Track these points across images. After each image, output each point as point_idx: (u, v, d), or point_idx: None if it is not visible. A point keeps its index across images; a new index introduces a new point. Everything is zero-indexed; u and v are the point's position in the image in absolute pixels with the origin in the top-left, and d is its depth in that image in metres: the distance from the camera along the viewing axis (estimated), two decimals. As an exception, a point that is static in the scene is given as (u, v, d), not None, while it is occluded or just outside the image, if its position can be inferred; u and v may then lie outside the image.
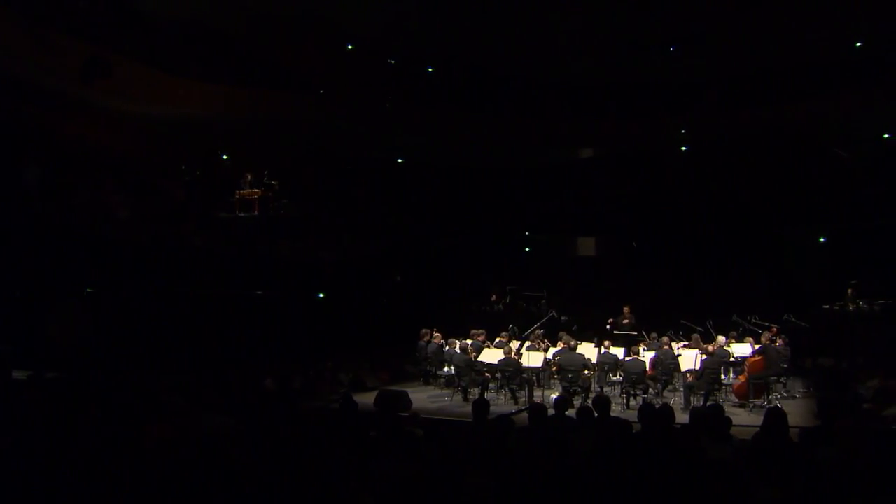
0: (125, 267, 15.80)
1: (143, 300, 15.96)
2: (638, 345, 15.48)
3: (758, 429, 7.37)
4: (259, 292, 18.39)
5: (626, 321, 18.40)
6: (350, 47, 20.18)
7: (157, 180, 19.83)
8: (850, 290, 19.77)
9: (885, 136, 21.43)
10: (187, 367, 13.64)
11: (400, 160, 24.72)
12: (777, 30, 18.43)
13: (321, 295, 19.82)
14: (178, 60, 18.66)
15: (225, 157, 22.08)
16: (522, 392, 14.71)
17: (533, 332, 16.64)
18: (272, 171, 19.79)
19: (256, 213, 19.17)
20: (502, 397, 14.93)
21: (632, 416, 9.18)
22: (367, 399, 13.63)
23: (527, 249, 26.66)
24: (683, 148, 23.50)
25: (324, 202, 22.29)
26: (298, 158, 22.63)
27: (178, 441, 6.63)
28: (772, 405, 13.30)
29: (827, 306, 20.15)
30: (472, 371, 14.78)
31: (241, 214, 19.21)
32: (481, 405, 8.25)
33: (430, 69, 22.14)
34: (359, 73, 21.15)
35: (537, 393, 15.02)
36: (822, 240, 23.41)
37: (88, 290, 15.36)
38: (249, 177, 19.49)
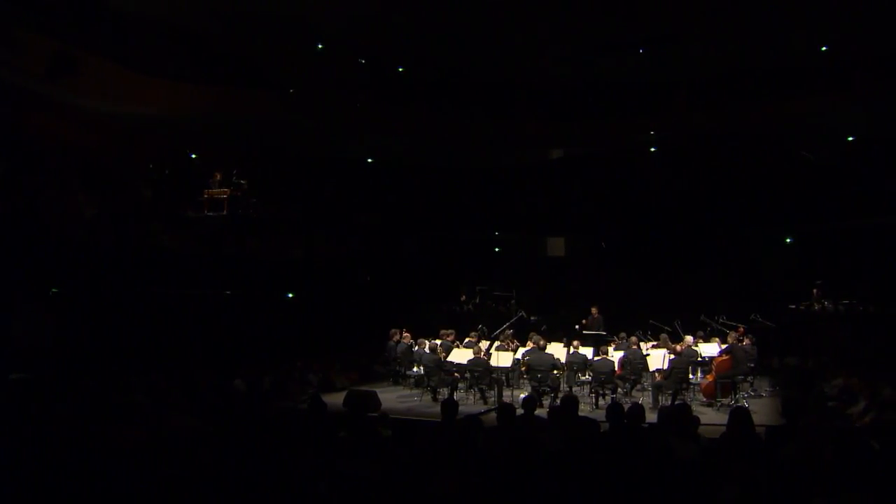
0: (91, 267, 15.62)
1: (109, 300, 15.80)
2: (607, 345, 15.58)
3: (725, 427, 7.44)
4: (228, 292, 18.29)
5: (594, 319, 18.58)
6: (320, 46, 20.09)
7: (125, 179, 19.62)
8: (815, 291, 20.06)
9: (850, 138, 21.71)
10: (155, 368, 13.53)
11: (370, 160, 24.69)
12: (745, 33, 18.60)
13: (290, 295, 19.75)
14: (146, 58, 18.46)
15: (193, 155, 21.92)
16: (492, 392, 14.73)
17: (502, 331, 16.69)
18: (241, 171, 19.65)
19: (225, 212, 19.01)
20: (471, 397, 14.94)
21: (600, 415, 9.22)
22: (336, 399, 13.63)
23: (496, 249, 26.75)
24: (652, 149, 23.66)
25: (293, 202, 22.20)
26: (268, 158, 22.53)
27: (146, 443, 6.59)
28: (738, 404, 13.43)
29: (793, 306, 20.44)
30: (442, 371, 14.79)
31: (210, 214, 19.04)
32: (450, 405, 8.26)
33: (400, 69, 22.11)
34: (329, 72, 21.10)
35: (506, 393, 15.07)
36: (788, 241, 23.69)
37: (54, 290, 15.17)
38: (218, 176, 19.33)
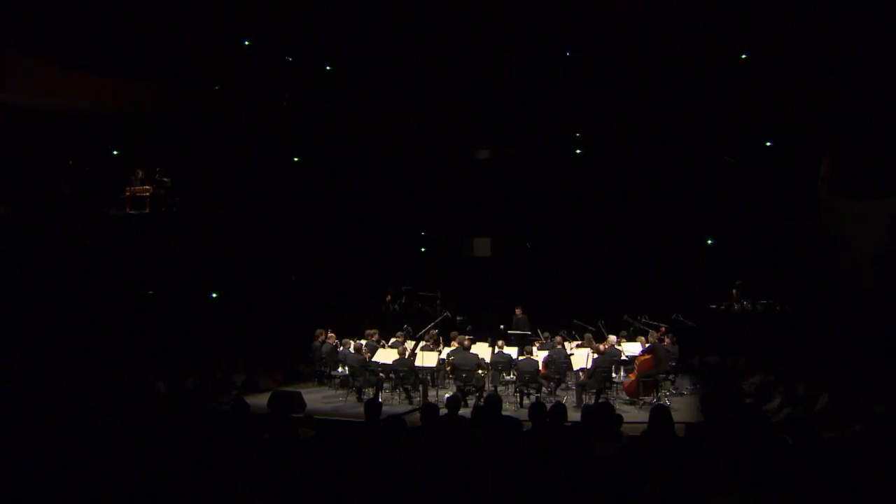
0: (9, 265, 15.22)
1: (28, 300, 15.40)
2: (531, 344, 15.74)
3: (646, 425, 7.58)
4: (150, 292, 17.98)
5: (518, 319, 18.74)
6: (247, 43, 19.87)
7: (44, 176, 19.15)
8: (734, 291, 20.52)
9: (768, 143, 22.27)
10: (75, 369, 13.25)
11: (296, 158, 24.48)
12: (669, 39, 18.94)
13: (214, 295, 19.50)
14: (66, 51, 17.99)
15: (115, 152, 21.47)
16: (417, 392, 14.76)
17: (427, 331, 16.71)
18: (164, 168, 19.34)
19: (148, 210, 18.69)
20: (397, 397, 14.96)
21: (525, 414, 9.31)
22: (260, 400, 13.53)
23: (423, 249, 26.75)
24: (578, 151, 23.95)
25: (218, 200, 21.89)
26: (192, 155, 22.18)
27: (64, 447, 6.46)
28: (660, 402, 13.68)
29: (713, 306, 20.89)
30: (367, 371, 14.78)
31: (132, 212, 18.70)
32: (373, 405, 8.25)
33: (328, 67, 21.98)
34: (255, 69, 20.85)
35: (432, 393, 15.10)
36: (709, 242, 24.19)
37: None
38: (141, 173, 18.99)
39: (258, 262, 21.11)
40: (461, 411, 9.23)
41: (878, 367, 15.01)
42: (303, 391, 14.96)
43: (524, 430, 7.47)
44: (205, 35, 19.17)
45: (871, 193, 16.05)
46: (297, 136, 22.04)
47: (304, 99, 21.49)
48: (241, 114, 20.28)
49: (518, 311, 19.06)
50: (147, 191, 18.77)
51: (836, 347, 17.12)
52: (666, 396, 15.17)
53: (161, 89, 19.05)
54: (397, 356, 14.58)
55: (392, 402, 14.69)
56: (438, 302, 21.48)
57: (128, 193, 18.78)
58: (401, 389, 14.88)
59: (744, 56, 19.79)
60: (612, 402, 13.10)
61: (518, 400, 14.48)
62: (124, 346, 15.99)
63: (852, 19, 17.23)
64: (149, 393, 13.19)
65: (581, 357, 14.62)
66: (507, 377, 14.97)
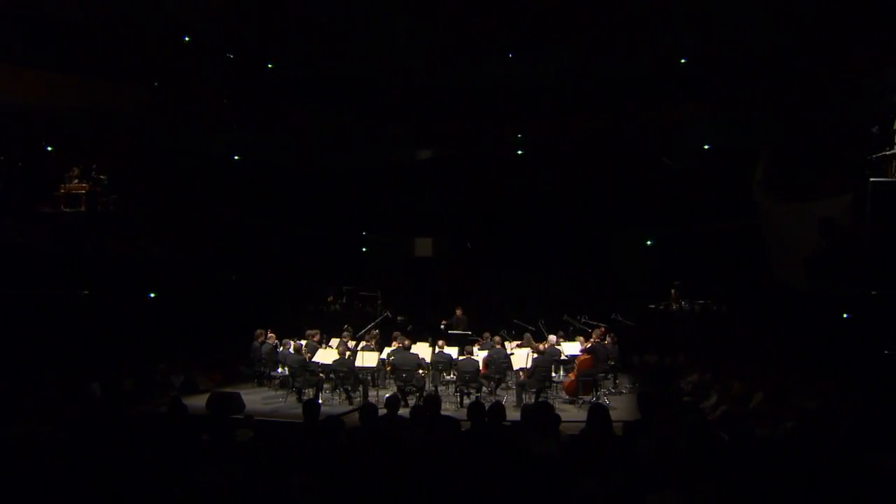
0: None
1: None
2: (471, 344, 15.81)
3: (584, 424, 7.67)
4: (85, 292, 17.63)
5: (459, 319, 18.79)
6: (187, 39, 19.59)
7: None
8: (673, 291, 20.85)
9: (706, 146, 22.65)
10: (4, 372, 12.96)
11: (237, 157, 24.25)
12: (610, 43, 19.14)
13: (152, 294, 19.20)
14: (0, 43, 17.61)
15: (49, 148, 21.00)
16: (357, 392, 14.74)
17: (368, 332, 16.69)
18: (101, 165, 18.98)
19: (83, 208, 18.32)
20: (337, 398, 14.92)
21: (465, 414, 9.35)
22: (199, 401, 13.41)
23: (364, 249, 26.70)
24: (519, 152, 24.10)
25: (156, 199, 21.55)
26: (130, 152, 21.77)
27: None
28: (599, 401, 13.84)
29: (652, 306, 21.20)
30: (307, 372, 14.72)
31: (67, 210, 18.31)
32: (311, 406, 8.22)
33: (269, 65, 21.79)
34: (195, 66, 20.57)
35: (372, 393, 15.09)
36: (648, 243, 24.53)
37: None
38: (76, 170, 18.59)
39: (197, 261, 20.83)
40: (401, 411, 9.24)
41: (809, 366, 15.39)
42: (242, 392, 14.87)
43: (462, 429, 7.50)
44: (144, 31, 18.85)
45: (802, 196, 16.42)
46: (238, 134, 21.80)
47: (246, 97, 21.29)
48: (181, 111, 19.99)
49: (458, 312, 19.12)
50: (83, 189, 18.39)
51: (770, 346, 17.51)
52: (605, 395, 15.36)
53: (99, 85, 18.70)
54: (337, 356, 14.53)
55: (332, 402, 14.66)
56: (379, 302, 21.45)
57: (62, 191, 18.38)
58: (341, 390, 14.85)
59: (683, 61, 20.10)
60: (552, 401, 13.21)
61: (458, 400, 14.54)
62: (57, 348, 15.68)
63: (788, 27, 17.63)
64: (83, 395, 12.98)
65: (521, 357, 14.70)
66: (448, 377, 15.04)
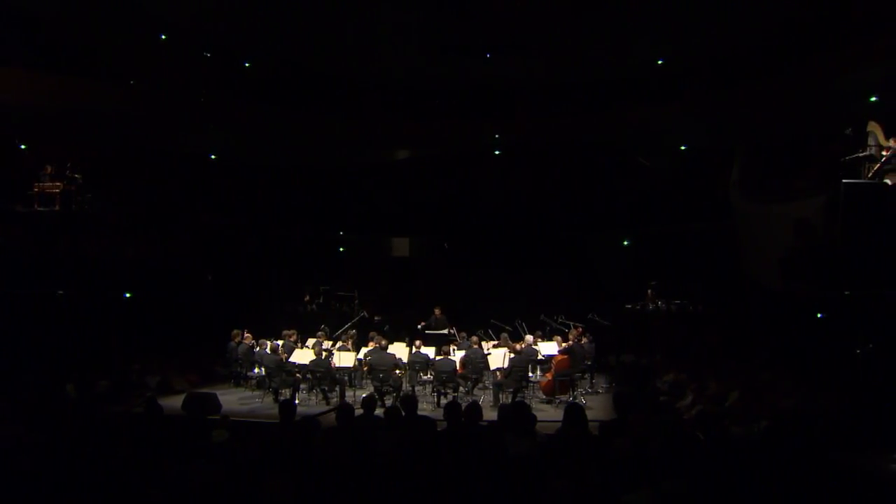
0: None
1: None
2: (449, 344, 15.83)
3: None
4: (60, 292, 17.49)
5: (437, 320, 18.80)
6: (163, 37, 19.48)
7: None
8: (649, 291, 20.94)
9: (683, 147, 22.78)
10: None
11: (213, 156, 24.12)
12: (588, 44, 19.22)
13: (127, 294, 19.07)
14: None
15: (23, 146, 20.80)
16: (334, 392, 14.72)
17: (344, 332, 16.67)
18: (76, 164, 18.82)
19: (58, 207, 18.16)
20: (314, 398, 14.89)
21: (441, 414, 9.36)
22: (175, 402, 13.35)
23: (341, 249, 26.65)
24: (497, 152, 24.13)
25: (132, 198, 21.40)
26: (105, 151, 21.61)
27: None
28: (575, 401, 13.89)
29: (629, 306, 21.28)
30: (283, 372, 14.68)
31: (41, 209, 18.16)
32: (287, 406, 8.21)
33: (246, 64, 21.70)
34: (172, 64, 20.44)
35: (349, 393, 15.09)
36: (625, 243, 24.63)
37: None
38: (50, 169, 18.42)
39: (173, 260, 20.70)
40: (378, 411, 9.24)
41: (784, 365, 15.52)
42: (219, 393, 14.81)
43: (439, 429, 7.50)
44: (120, 28, 18.72)
45: (777, 197, 16.54)
46: (215, 133, 21.68)
47: (222, 96, 21.17)
48: (157, 110, 19.84)
49: (437, 312, 19.12)
50: (57, 187, 18.23)
51: (745, 346, 17.64)
52: (582, 395, 15.43)
53: (74, 82, 18.50)
54: (314, 357, 14.51)
55: (309, 402, 14.64)
56: (356, 302, 21.43)
57: (36, 190, 18.20)
58: (318, 390, 14.82)
59: (660, 62, 20.21)
60: (528, 401, 13.28)
61: (435, 400, 14.55)
62: (32, 349, 15.54)
63: (763, 30, 17.79)
64: (58, 397, 12.89)
65: (498, 357, 14.74)
66: (425, 377, 15.05)
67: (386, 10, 17.71)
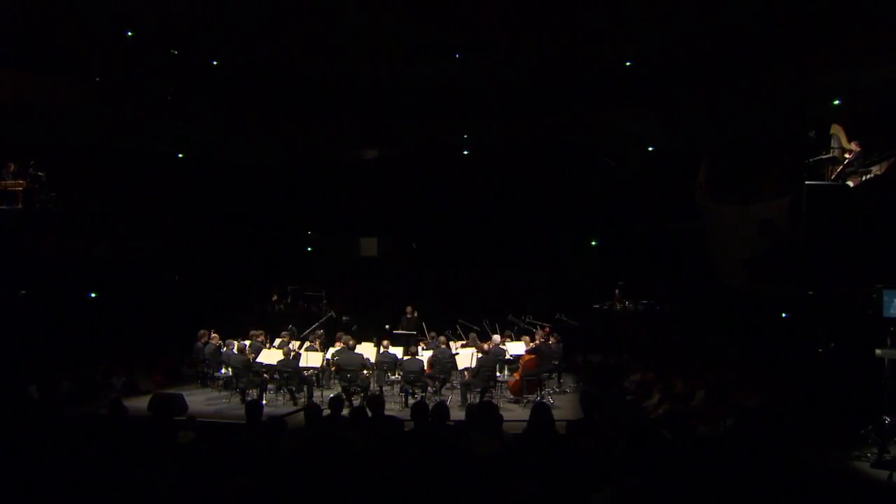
0: None
1: None
2: (417, 344, 15.83)
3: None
4: (23, 292, 17.28)
5: (409, 319, 18.81)
6: (130, 34, 19.28)
7: None
8: (617, 291, 21.07)
9: (650, 148, 22.94)
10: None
11: (180, 155, 23.95)
12: (556, 45, 19.31)
13: (92, 294, 18.88)
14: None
15: (-17, 144, 20.54)
16: (302, 393, 14.67)
17: (312, 331, 16.61)
18: (39, 162, 18.58)
19: (20, 206, 17.93)
20: (282, 398, 14.83)
21: (409, 414, 9.36)
22: (141, 403, 13.24)
23: (309, 249, 26.56)
24: (465, 152, 24.17)
25: (97, 196, 21.18)
26: (69, 149, 21.38)
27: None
28: (543, 400, 13.93)
29: (597, 306, 21.40)
30: (250, 372, 14.61)
31: (3, 207, 17.92)
32: (254, 406, 8.18)
33: (214, 62, 21.54)
34: (139, 61, 20.24)
35: (317, 393, 15.03)
36: (592, 243, 24.76)
37: None
38: (13, 166, 18.16)
39: (139, 260, 20.51)
40: (346, 412, 9.23)
41: (749, 364, 15.70)
42: (185, 393, 14.77)
43: (406, 429, 7.51)
44: (85, 24, 18.48)
45: (743, 198, 16.70)
46: (182, 131, 21.53)
47: (190, 94, 21.03)
48: (124, 107, 19.70)
49: (409, 310, 19.11)
50: (20, 185, 17.96)
51: (711, 345, 17.80)
52: (549, 395, 15.48)
53: (37, 79, 18.30)
54: (282, 357, 14.45)
55: (277, 403, 14.58)
56: (324, 302, 21.38)
57: (-2, 187, 17.99)
58: (285, 390, 14.76)
59: (628, 63, 20.35)
60: (496, 400, 13.33)
61: (403, 400, 14.55)
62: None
63: (729, 33, 17.97)
64: (20, 397, 12.74)
65: (466, 356, 14.77)
66: (393, 377, 15.04)
67: (353, 11, 17.67)
